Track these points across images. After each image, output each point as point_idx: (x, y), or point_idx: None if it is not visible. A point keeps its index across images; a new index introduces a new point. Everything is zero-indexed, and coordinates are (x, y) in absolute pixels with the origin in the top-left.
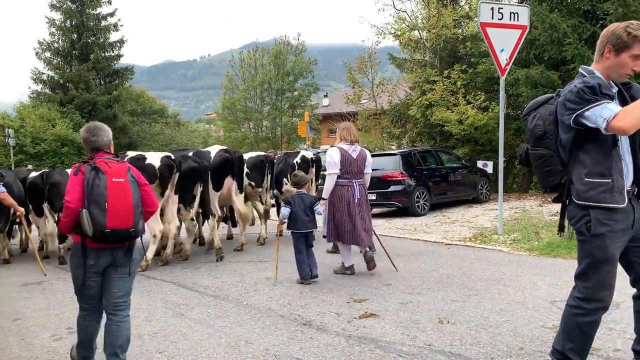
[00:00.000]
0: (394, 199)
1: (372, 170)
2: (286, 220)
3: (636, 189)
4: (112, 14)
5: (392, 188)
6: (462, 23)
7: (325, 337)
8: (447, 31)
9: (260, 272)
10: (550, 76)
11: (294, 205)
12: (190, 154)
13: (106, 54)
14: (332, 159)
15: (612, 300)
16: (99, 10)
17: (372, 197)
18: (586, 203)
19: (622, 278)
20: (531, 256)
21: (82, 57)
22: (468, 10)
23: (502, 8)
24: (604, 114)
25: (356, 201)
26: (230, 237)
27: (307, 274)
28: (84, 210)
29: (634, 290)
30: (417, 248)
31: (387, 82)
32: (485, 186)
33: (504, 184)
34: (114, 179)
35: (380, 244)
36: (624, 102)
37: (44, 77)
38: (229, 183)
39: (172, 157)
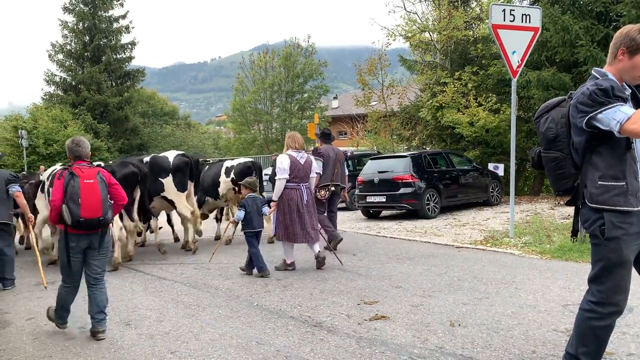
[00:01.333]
0: (404, 202)
1: (382, 172)
2: (240, 222)
3: None
4: (123, 16)
5: (402, 190)
6: (473, 25)
7: (335, 338)
8: (458, 33)
9: (270, 273)
10: (562, 78)
11: (248, 207)
12: (147, 158)
13: (118, 56)
14: (282, 165)
15: (626, 304)
16: (111, 12)
17: (382, 199)
18: (600, 206)
19: (635, 282)
20: (543, 259)
21: (94, 59)
22: (479, 12)
23: (513, 10)
24: (617, 116)
25: (304, 202)
26: (217, 237)
27: (265, 266)
28: (63, 205)
29: None
30: (427, 251)
31: (397, 84)
32: (497, 189)
33: (515, 187)
34: (85, 180)
35: (326, 241)
36: (637, 105)
37: (57, 79)
38: (190, 186)
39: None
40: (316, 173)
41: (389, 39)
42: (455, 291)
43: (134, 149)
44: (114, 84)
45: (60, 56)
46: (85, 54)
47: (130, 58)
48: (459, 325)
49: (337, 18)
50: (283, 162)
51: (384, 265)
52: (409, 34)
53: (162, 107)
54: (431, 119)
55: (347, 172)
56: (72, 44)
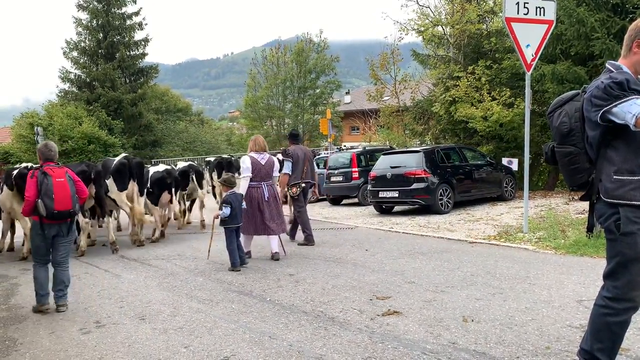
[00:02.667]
0: (417, 197)
1: (395, 167)
2: (224, 218)
3: None
4: (137, 13)
5: (415, 185)
6: (487, 18)
7: (348, 334)
8: (471, 26)
9: (282, 269)
10: (578, 72)
11: (233, 203)
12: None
13: (131, 53)
14: (244, 164)
15: None
16: (124, 9)
17: (395, 194)
18: (615, 201)
19: None
20: (557, 255)
21: (108, 56)
22: (492, 5)
23: (527, 3)
24: (632, 109)
25: (265, 199)
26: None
27: (238, 262)
28: (39, 200)
29: None
30: (440, 246)
31: (410, 78)
32: (510, 184)
33: (530, 182)
34: (57, 179)
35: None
36: None
37: (71, 76)
38: (131, 185)
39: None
40: (285, 173)
41: (401, 34)
42: (469, 286)
43: (148, 145)
44: (127, 80)
45: (75, 53)
46: (99, 51)
47: (144, 55)
48: (472, 320)
49: (349, 12)
50: (245, 162)
51: (397, 261)
52: (422, 28)
53: (175, 103)
54: (444, 114)
55: (316, 170)
56: (86, 41)
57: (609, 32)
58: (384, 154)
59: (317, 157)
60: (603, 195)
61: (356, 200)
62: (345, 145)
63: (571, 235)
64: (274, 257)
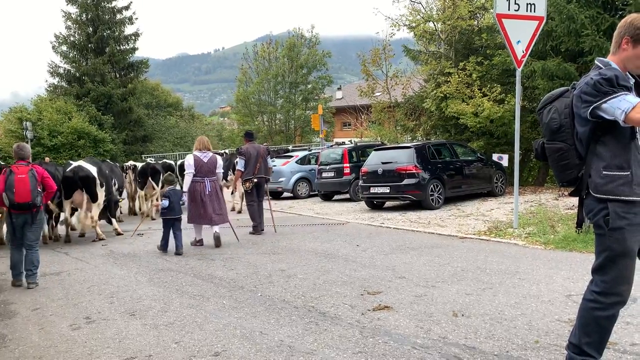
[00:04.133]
0: (408, 192)
1: (386, 163)
2: (163, 209)
3: None
4: (127, 7)
5: (405, 181)
6: (478, 14)
7: (339, 329)
8: (463, 23)
9: (274, 264)
10: (568, 68)
11: (172, 197)
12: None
13: (121, 47)
14: (188, 162)
15: (630, 295)
16: (114, 3)
17: (386, 190)
18: (604, 196)
19: (639, 272)
20: (547, 250)
21: (98, 50)
22: (483, 1)
23: None
24: (621, 105)
25: (207, 193)
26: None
27: (166, 247)
28: (3, 193)
29: None
30: (431, 241)
31: (402, 74)
32: (501, 179)
33: (520, 177)
34: (18, 176)
35: (233, 229)
36: None
37: (61, 70)
38: (79, 194)
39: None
40: (237, 170)
41: (393, 29)
42: (459, 281)
43: (138, 140)
44: (117, 75)
45: (64, 47)
46: (89, 45)
47: (134, 49)
48: (462, 315)
49: (341, 8)
50: (189, 160)
51: (388, 256)
52: (413, 24)
53: (165, 98)
54: (435, 110)
55: (270, 165)
56: (76, 35)
57: (599, 28)
58: (375, 150)
59: (310, 152)
60: (592, 190)
61: (347, 195)
62: (351, 140)
63: (560, 230)
64: (215, 239)
